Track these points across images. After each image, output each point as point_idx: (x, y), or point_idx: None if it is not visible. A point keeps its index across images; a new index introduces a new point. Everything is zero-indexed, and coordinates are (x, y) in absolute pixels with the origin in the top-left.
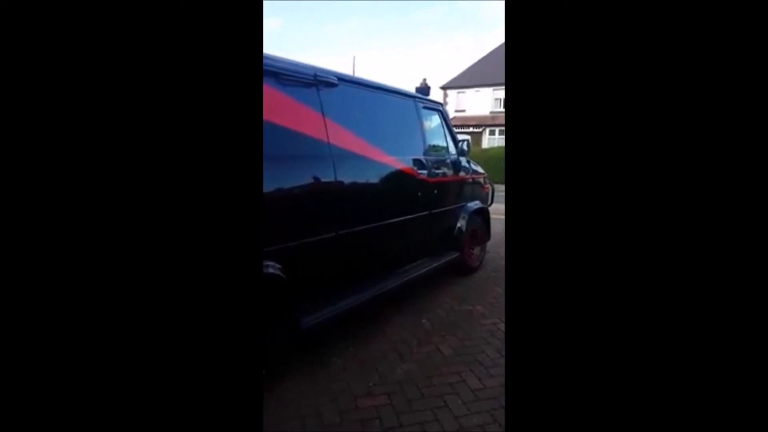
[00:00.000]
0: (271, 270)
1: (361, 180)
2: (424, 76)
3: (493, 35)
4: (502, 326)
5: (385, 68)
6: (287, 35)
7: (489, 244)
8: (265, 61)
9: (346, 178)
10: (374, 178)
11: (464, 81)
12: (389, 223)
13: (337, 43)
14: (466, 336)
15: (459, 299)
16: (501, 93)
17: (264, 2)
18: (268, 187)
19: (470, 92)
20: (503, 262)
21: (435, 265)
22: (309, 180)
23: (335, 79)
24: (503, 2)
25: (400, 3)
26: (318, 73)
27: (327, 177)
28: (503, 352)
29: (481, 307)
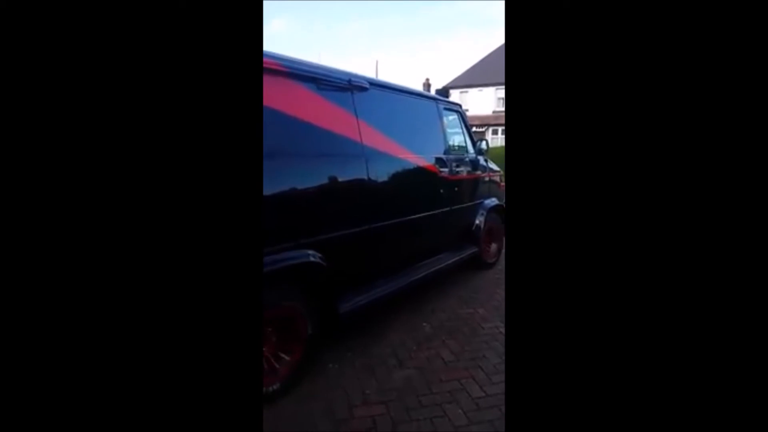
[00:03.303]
0: (312, 258)
1: (389, 177)
2: (427, 77)
3: (495, 36)
4: (503, 329)
5: (391, 70)
6: (289, 36)
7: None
8: (305, 67)
9: (377, 176)
10: (401, 176)
11: (466, 80)
12: (414, 218)
13: (341, 45)
14: (467, 340)
15: (461, 302)
16: (503, 92)
17: (266, 2)
18: (309, 183)
19: (473, 92)
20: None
21: (455, 259)
22: (345, 177)
23: (367, 83)
24: (502, 2)
25: (403, 4)
26: (352, 78)
27: (360, 174)
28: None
29: (483, 311)
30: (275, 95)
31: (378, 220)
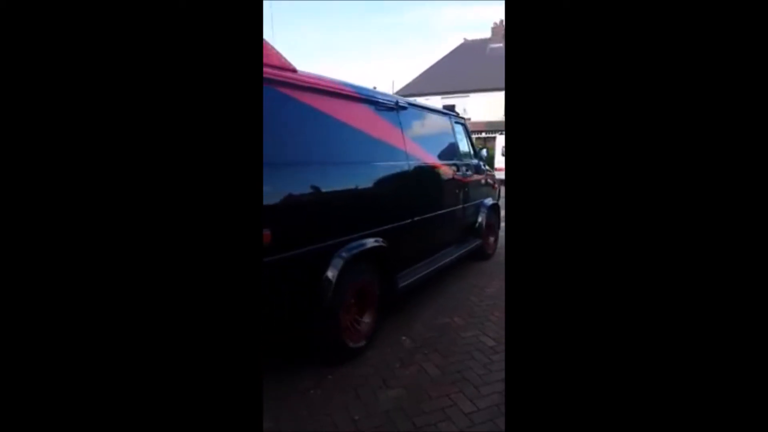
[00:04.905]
0: (378, 243)
1: (423, 179)
2: (374, 85)
3: (443, 45)
4: (484, 339)
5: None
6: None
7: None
8: (369, 93)
9: (416, 178)
10: (430, 178)
11: (415, 89)
12: (440, 213)
13: (294, 51)
14: (449, 352)
15: (434, 311)
16: (448, 101)
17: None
18: (375, 184)
19: (420, 100)
20: (476, 271)
21: (466, 249)
22: (396, 179)
23: (407, 104)
24: (494, 3)
25: (353, 8)
26: (398, 101)
27: (406, 177)
28: (490, 367)
29: (459, 319)
30: (354, 116)
31: (418, 215)
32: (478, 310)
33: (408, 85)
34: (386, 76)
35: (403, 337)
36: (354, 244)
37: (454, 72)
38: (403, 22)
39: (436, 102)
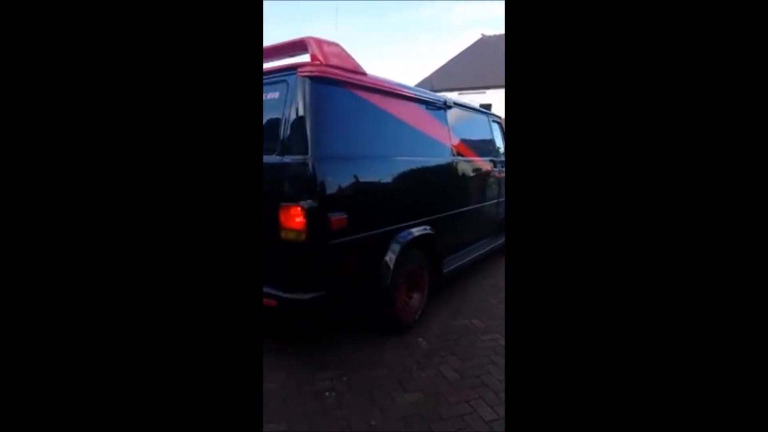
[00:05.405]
0: (427, 231)
1: (466, 174)
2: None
3: (461, 40)
4: (503, 341)
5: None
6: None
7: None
8: (422, 93)
9: (459, 172)
10: (473, 173)
11: (431, 84)
12: (480, 206)
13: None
14: (468, 355)
15: (452, 313)
16: (465, 97)
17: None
18: (425, 177)
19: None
20: (497, 272)
21: (497, 243)
22: (443, 173)
23: (452, 103)
24: (488, 3)
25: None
26: (446, 100)
27: (451, 171)
28: None
29: (478, 321)
30: (410, 114)
31: (461, 206)
32: (498, 312)
33: (424, 81)
34: (399, 74)
35: (420, 339)
36: (407, 231)
37: (471, 68)
38: (418, 18)
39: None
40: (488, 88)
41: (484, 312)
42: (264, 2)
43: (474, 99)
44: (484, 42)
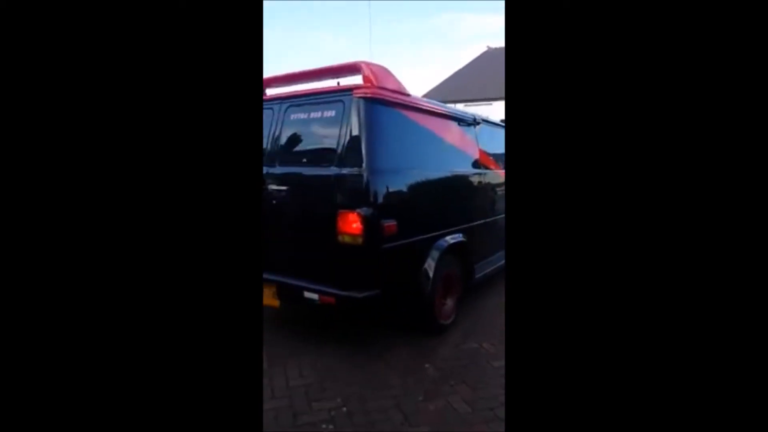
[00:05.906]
0: (460, 239)
1: (492, 186)
2: None
3: (466, 53)
4: None
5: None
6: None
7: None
8: (455, 111)
9: (487, 184)
10: (498, 184)
11: (437, 96)
12: (503, 216)
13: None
14: (479, 383)
15: (461, 335)
16: (471, 109)
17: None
18: (458, 188)
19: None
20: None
21: None
22: (472, 184)
23: (481, 119)
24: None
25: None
26: (475, 117)
27: (480, 182)
28: None
29: (489, 345)
30: (445, 131)
31: (490, 216)
32: None
33: (430, 92)
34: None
35: (427, 365)
36: (444, 239)
37: (477, 79)
38: (424, 30)
39: (480, 114)
40: (495, 100)
41: (495, 334)
42: (263, 2)
43: (482, 111)
44: (489, 54)
